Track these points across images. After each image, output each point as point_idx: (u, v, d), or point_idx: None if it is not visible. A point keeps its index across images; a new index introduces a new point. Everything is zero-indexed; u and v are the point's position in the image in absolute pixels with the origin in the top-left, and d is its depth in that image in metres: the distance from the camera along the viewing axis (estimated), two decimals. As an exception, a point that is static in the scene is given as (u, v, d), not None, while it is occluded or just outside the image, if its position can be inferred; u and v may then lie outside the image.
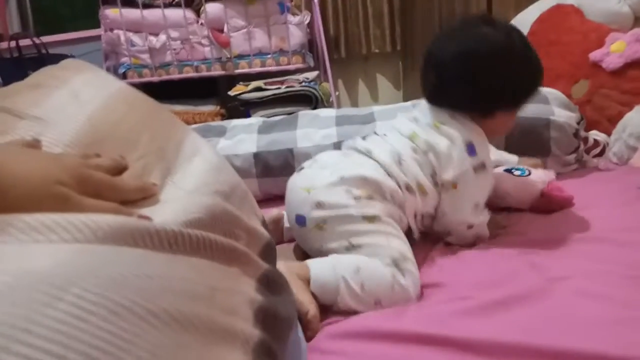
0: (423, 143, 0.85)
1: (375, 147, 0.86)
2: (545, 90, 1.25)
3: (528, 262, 0.76)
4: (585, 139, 1.30)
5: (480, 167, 0.84)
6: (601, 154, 1.32)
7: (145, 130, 0.51)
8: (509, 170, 1.01)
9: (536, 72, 0.88)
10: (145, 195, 0.42)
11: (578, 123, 1.23)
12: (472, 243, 0.87)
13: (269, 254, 0.49)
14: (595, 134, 1.37)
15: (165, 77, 2.31)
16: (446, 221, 0.87)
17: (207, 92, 2.50)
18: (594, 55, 1.49)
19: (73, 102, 0.49)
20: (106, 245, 0.30)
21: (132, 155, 0.46)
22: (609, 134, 1.35)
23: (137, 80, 2.28)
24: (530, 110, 1.18)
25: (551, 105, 1.22)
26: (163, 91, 1.93)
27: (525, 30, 1.66)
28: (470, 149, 0.83)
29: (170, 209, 0.40)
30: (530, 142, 1.18)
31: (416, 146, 0.85)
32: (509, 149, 1.15)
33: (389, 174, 0.82)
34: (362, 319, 0.68)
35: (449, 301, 0.69)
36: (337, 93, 2.59)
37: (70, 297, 0.23)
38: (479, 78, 0.83)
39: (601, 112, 1.46)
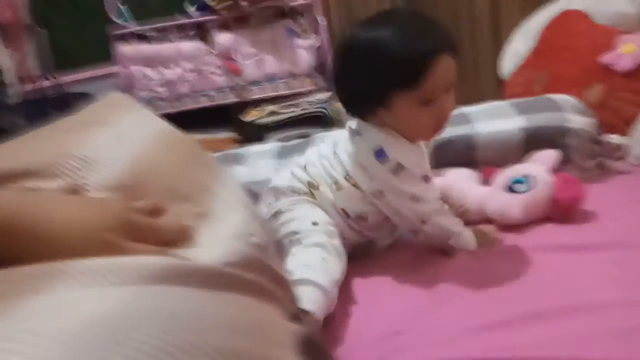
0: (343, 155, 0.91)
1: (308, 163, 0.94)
2: (557, 97, 1.26)
3: (551, 273, 0.77)
4: (604, 144, 1.29)
5: (399, 168, 0.84)
6: (621, 157, 1.31)
7: (185, 173, 0.53)
8: (509, 188, 0.98)
9: (399, 48, 0.77)
10: (183, 238, 0.44)
11: (595, 128, 1.22)
12: (446, 240, 0.88)
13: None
14: (612, 138, 1.36)
15: (182, 108, 2.36)
16: (397, 223, 0.90)
17: (220, 120, 2.55)
18: (605, 58, 1.49)
19: (117, 144, 0.52)
20: (154, 286, 0.31)
21: (171, 197, 0.48)
22: (627, 136, 1.34)
23: (155, 113, 2.33)
24: (543, 118, 1.19)
25: (564, 112, 1.22)
26: (178, 122, 1.97)
27: (535, 37, 1.67)
28: (379, 154, 0.84)
29: (208, 251, 0.42)
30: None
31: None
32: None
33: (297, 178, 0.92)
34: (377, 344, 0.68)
35: (467, 317, 0.70)
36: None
37: (131, 343, 0.25)
38: (337, 79, 0.87)
39: (617, 114, 1.45)
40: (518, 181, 0.98)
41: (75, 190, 0.43)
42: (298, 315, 0.45)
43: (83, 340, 0.24)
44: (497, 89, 1.86)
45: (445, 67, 0.78)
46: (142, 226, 0.40)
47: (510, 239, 0.91)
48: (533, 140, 1.15)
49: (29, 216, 0.33)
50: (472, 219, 0.99)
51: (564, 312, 0.68)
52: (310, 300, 0.69)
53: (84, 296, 0.28)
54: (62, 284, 0.28)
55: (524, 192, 0.95)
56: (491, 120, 1.21)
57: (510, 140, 1.17)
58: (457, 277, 0.81)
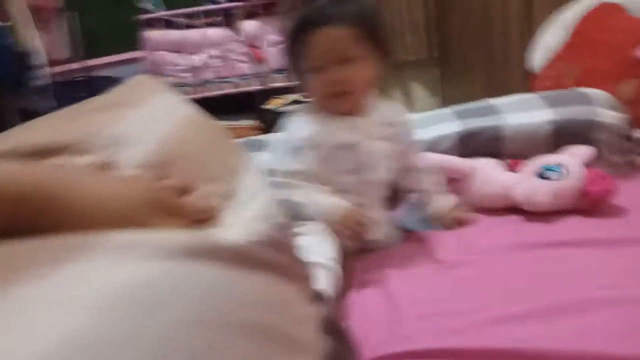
0: None
1: None
2: (588, 90, 1.23)
3: (575, 266, 0.75)
4: (635, 139, 1.26)
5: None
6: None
7: (212, 155, 0.53)
8: (543, 175, 0.97)
9: (296, 25, 0.91)
10: (210, 217, 0.45)
11: (626, 123, 1.19)
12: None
13: None
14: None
15: (206, 94, 2.38)
16: None
17: (243, 107, 2.56)
18: (640, 52, 1.44)
19: (146, 123, 0.52)
20: (183, 262, 0.32)
21: (198, 178, 0.48)
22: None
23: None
24: (572, 112, 1.16)
25: (594, 106, 1.19)
26: (202, 108, 1.98)
27: (567, 30, 1.63)
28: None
29: (233, 231, 0.42)
30: (574, 145, 1.15)
31: None
32: (556, 147, 1.12)
33: None
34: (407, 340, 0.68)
35: (485, 308, 0.69)
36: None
37: (163, 313, 0.25)
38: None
39: (651, 110, 1.41)
40: (550, 169, 0.96)
41: (105, 167, 0.44)
42: (317, 296, 0.45)
43: (117, 310, 0.24)
44: (526, 83, 1.83)
45: (328, 39, 0.87)
46: (172, 204, 0.41)
47: (536, 228, 0.90)
48: (562, 134, 1.13)
49: (61, 189, 0.33)
50: (496, 204, 0.98)
51: (587, 306, 0.66)
52: (320, 280, 0.70)
53: (116, 268, 0.28)
54: (94, 255, 0.29)
55: (554, 179, 0.94)
56: (520, 112, 1.19)
57: (538, 132, 1.15)
58: (476, 267, 0.80)
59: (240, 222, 0.44)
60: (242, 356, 0.26)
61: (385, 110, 0.98)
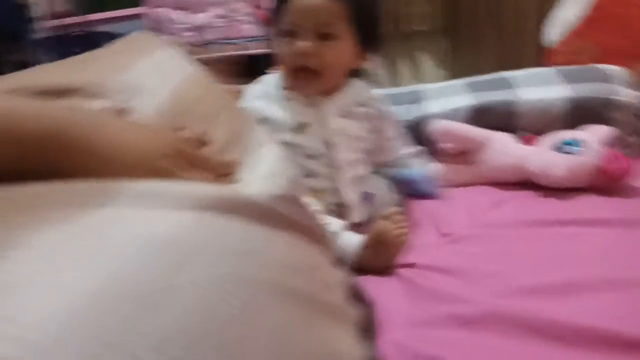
0: None
1: None
2: (606, 67, 1.19)
3: (589, 245, 0.74)
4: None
5: None
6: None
7: (222, 112, 0.52)
8: (560, 148, 0.96)
9: None
10: (229, 172, 0.42)
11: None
12: None
13: None
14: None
15: (207, 54, 2.31)
16: None
17: (248, 71, 2.50)
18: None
19: (157, 73, 0.50)
20: (209, 214, 0.29)
21: (211, 131, 0.46)
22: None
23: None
24: (588, 88, 1.13)
25: (612, 84, 1.16)
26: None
27: (587, 4, 1.58)
28: None
29: (253, 186, 0.40)
30: (590, 123, 1.13)
31: None
32: (571, 125, 1.09)
33: None
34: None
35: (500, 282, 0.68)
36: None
37: (196, 265, 0.23)
38: None
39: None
40: (569, 143, 0.95)
41: (120, 112, 0.41)
42: (339, 261, 0.43)
43: (148, 262, 0.22)
44: (539, 57, 1.79)
45: (308, 6, 0.82)
46: (195, 156, 0.39)
47: (549, 205, 0.89)
48: (577, 111, 1.10)
49: (85, 132, 0.31)
50: (509, 177, 0.96)
51: (600, 285, 0.65)
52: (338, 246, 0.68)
53: (143, 217, 0.26)
54: (120, 202, 0.26)
55: (572, 154, 0.92)
56: (535, 86, 1.16)
57: (553, 109, 1.12)
58: (484, 241, 0.79)
59: (257, 178, 0.43)
60: (278, 317, 0.24)
61: (352, 90, 0.92)
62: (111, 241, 0.22)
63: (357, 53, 0.88)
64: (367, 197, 0.93)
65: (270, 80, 0.91)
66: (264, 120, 0.86)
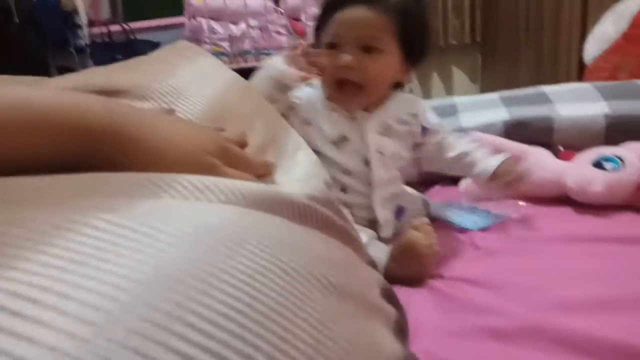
0: None
1: None
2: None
3: (623, 263, 0.72)
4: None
5: None
6: None
7: (260, 116, 0.53)
8: (598, 164, 0.93)
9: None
10: (267, 173, 0.44)
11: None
12: None
13: None
14: None
15: (242, 64, 2.36)
16: None
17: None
18: None
19: (200, 78, 0.52)
20: (254, 210, 0.30)
21: (249, 135, 0.48)
22: None
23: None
24: (627, 105, 1.11)
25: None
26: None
27: (626, 21, 1.56)
28: None
29: (290, 187, 0.41)
30: (628, 139, 1.10)
31: None
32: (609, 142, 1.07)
33: None
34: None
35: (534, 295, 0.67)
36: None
37: (247, 253, 0.24)
38: None
39: None
40: (607, 159, 0.92)
41: (169, 112, 0.43)
42: (372, 262, 0.43)
43: (202, 248, 0.23)
44: (574, 74, 1.76)
45: (353, 18, 0.79)
46: (236, 155, 0.40)
47: (586, 221, 0.87)
48: (616, 127, 1.08)
49: (137, 127, 0.32)
50: (546, 192, 0.94)
51: (637, 304, 0.64)
52: (370, 250, 0.68)
53: (195, 208, 0.27)
54: (166, 194, 0.28)
55: (610, 170, 0.90)
56: (573, 102, 1.14)
57: (592, 125, 1.10)
58: (518, 256, 0.78)
59: (294, 180, 0.44)
60: (323, 309, 0.25)
61: (395, 104, 0.88)
62: (166, 228, 0.23)
63: (402, 67, 0.85)
64: (400, 212, 0.92)
65: (318, 87, 0.88)
66: (307, 125, 0.85)
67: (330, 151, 0.84)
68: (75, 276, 0.19)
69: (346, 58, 0.79)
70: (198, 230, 0.24)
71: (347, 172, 0.84)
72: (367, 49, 0.79)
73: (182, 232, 0.23)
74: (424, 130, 0.90)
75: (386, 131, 0.86)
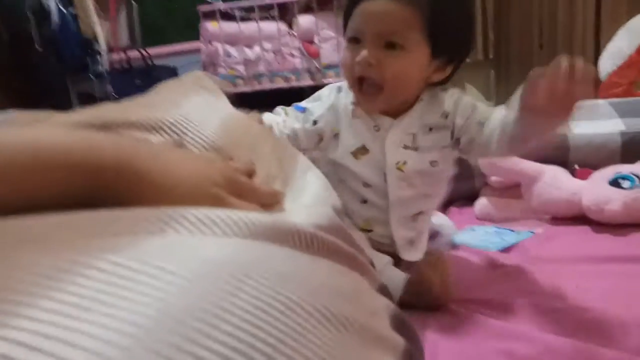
0: None
1: None
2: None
3: None
4: None
5: None
6: None
7: (266, 143, 0.54)
8: (615, 182, 0.93)
9: None
10: (275, 201, 0.44)
11: None
12: None
13: None
14: None
15: (257, 87, 2.39)
16: None
17: (294, 102, 2.56)
18: None
19: (208, 107, 0.53)
20: (260, 242, 0.31)
21: (257, 163, 0.48)
22: None
23: (232, 90, 2.38)
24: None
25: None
26: (254, 101, 2.01)
27: (639, 36, 1.55)
28: None
29: (296, 217, 0.41)
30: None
31: None
32: (625, 159, 1.06)
33: None
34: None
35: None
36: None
37: (249, 289, 0.24)
38: None
39: None
40: (624, 177, 0.92)
41: (179, 145, 0.44)
42: (384, 289, 0.43)
43: (207, 284, 0.23)
44: (593, 90, 1.75)
45: (375, 11, 0.71)
46: (244, 185, 0.40)
47: (603, 241, 0.86)
48: (632, 145, 1.07)
49: (144, 162, 0.33)
50: (562, 212, 0.93)
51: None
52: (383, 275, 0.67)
53: (201, 242, 0.28)
54: (172, 229, 0.28)
55: (627, 189, 0.89)
56: (588, 120, 1.13)
57: (606, 143, 1.09)
58: (535, 276, 0.78)
59: (302, 207, 0.44)
60: (325, 342, 0.25)
61: (425, 107, 0.78)
62: (171, 265, 0.24)
63: (434, 66, 0.74)
64: (432, 236, 0.87)
65: (345, 91, 0.81)
66: (329, 134, 0.81)
67: (350, 161, 0.79)
68: (80, 322, 0.19)
69: (363, 54, 0.71)
70: (201, 267, 0.24)
71: (366, 184, 0.80)
72: (390, 45, 0.71)
73: (185, 270, 0.24)
74: (456, 126, 0.77)
75: (412, 143, 0.77)
